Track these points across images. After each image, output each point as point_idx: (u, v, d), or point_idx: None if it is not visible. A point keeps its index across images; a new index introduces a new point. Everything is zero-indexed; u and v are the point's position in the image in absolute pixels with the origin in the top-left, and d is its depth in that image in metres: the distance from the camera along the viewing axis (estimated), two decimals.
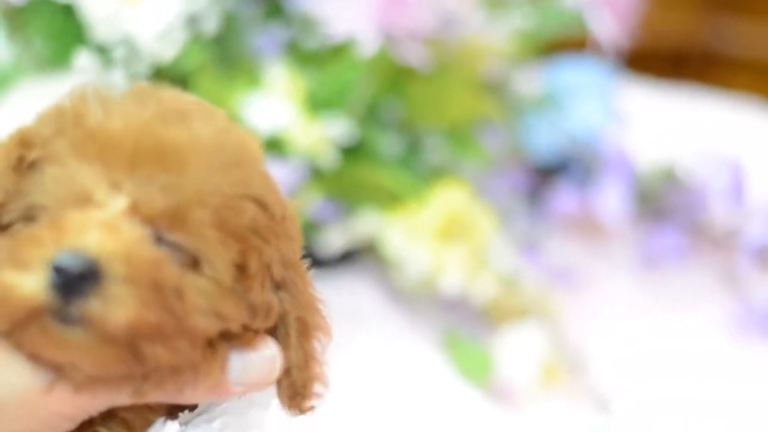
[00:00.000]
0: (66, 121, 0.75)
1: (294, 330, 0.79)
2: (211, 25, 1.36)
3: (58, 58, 1.33)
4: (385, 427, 1.34)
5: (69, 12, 1.33)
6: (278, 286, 0.78)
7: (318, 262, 0.94)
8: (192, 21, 1.34)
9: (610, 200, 1.64)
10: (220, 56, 1.39)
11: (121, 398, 0.76)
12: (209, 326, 0.74)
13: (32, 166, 0.75)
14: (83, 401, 0.75)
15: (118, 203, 0.72)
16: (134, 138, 0.73)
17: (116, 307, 0.70)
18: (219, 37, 1.39)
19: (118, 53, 1.28)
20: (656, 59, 1.98)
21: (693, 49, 2.58)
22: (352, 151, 1.44)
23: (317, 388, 0.80)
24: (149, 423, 0.79)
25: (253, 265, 0.76)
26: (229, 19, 1.40)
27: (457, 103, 1.50)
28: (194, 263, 0.74)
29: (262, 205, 0.77)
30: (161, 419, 0.79)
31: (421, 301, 1.46)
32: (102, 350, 0.71)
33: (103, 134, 0.73)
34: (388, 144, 1.46)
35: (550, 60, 1.72)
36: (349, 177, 1.43)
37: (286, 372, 0.79)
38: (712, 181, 1.68)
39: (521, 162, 1.65)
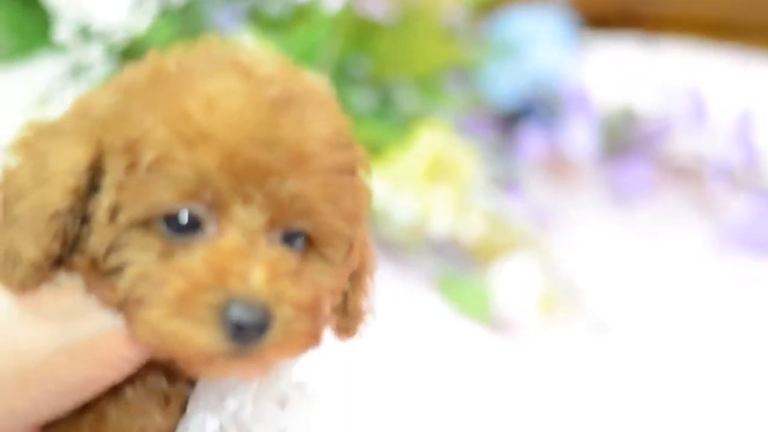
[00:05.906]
0: (170, 117, 0.74)
1: (355, 271, 0.82)
2: None
3: (21, 50, 1.33)
4: (397, 370, 1.35)
5: (31, 4, 1.33)
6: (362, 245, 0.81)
7: None
8: None
9: (577, 139, 1.67)
10: (185, 30, 1.40)
11: None
12: (330, 309, 0.79)
13: (151, 168, 0.74)
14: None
15: (255, 219, 0.74)
16: (254, 146, 0.73)
17: (284, 341, 0.74)
18: (183, 11, 1.40)
19: (96, 27, 1.28)
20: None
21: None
22: None
23: (366, 318, 0.84)
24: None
25: (359, 237, 0.80)
26: None
27: (423, 53, 1.52)
28: (311, 243, 0.77)
29: (363, 175, 0.79)
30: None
31: (411, 248, 1.48)
32: (262, 368, 0.77)
33: (219, 136, 0.73)
34: (361, 98, 1.48)
35: (505, 10, 1.75)
36: None
37: (343, 308, 0.82)
38: (672, 112, 1.72)
39: (487, 108, 1.67)
